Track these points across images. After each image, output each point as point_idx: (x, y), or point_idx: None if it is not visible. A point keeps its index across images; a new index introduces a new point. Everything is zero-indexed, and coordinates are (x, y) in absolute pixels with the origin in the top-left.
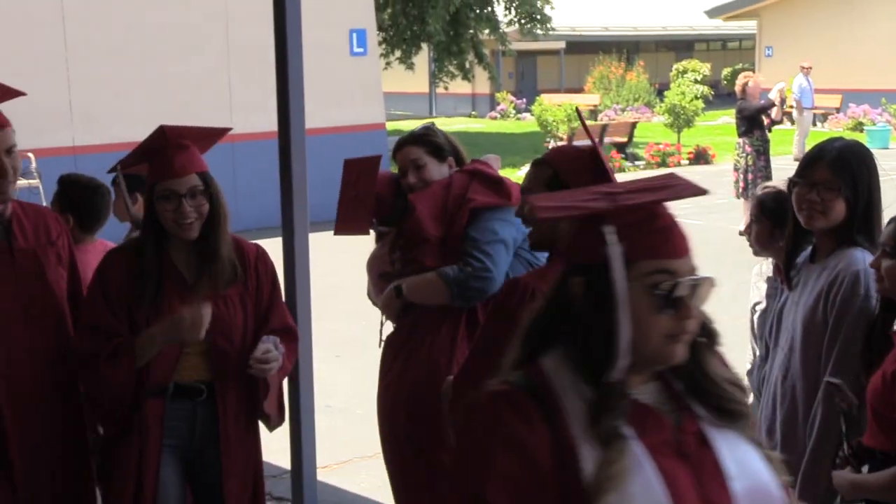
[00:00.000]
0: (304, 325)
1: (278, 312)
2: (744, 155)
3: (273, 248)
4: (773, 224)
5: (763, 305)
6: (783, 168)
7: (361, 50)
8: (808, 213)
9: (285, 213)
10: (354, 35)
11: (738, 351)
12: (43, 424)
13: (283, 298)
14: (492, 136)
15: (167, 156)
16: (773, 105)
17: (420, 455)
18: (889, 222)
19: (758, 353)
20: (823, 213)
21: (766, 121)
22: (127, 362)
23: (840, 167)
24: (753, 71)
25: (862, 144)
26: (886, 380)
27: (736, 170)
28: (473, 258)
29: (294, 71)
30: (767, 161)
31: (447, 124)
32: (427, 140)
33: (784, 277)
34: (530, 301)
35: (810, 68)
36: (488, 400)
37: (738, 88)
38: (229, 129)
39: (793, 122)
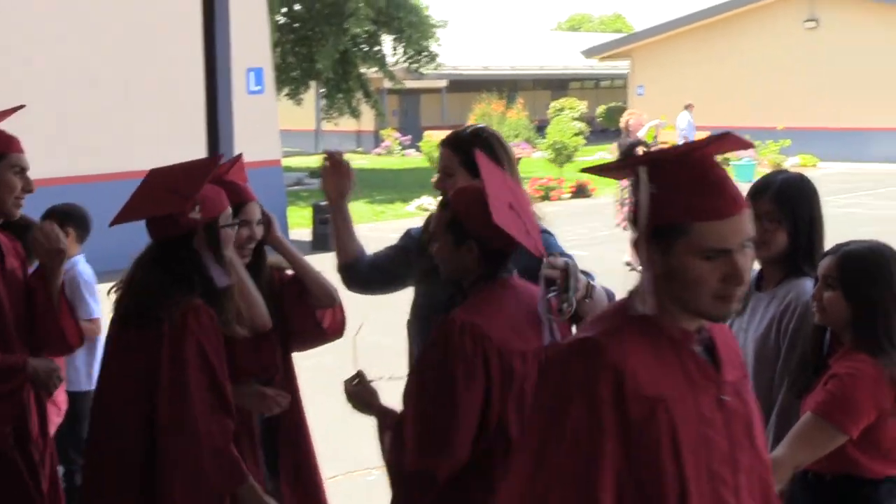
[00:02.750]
0: None
1: None
2: (621, 189)
3: None
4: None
5: None
6: None
7: (259, 88)
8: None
9: None
10: (252, 74)
11: None
12: None
13: None
14: (378, 171)
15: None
16: (639, 142)
17: None
18: (825, 254)
19: None
20: (766, 243)
21: None
22: None
23: (782, 199)
24: (626, 108)
25: (805, 178)
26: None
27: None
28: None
29: (223, 111)
30: None
31: None
32: (466, 148)
33: None
34: (472, 339)
35: (692, 106)
36: None
37: (622, 125)
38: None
39: None
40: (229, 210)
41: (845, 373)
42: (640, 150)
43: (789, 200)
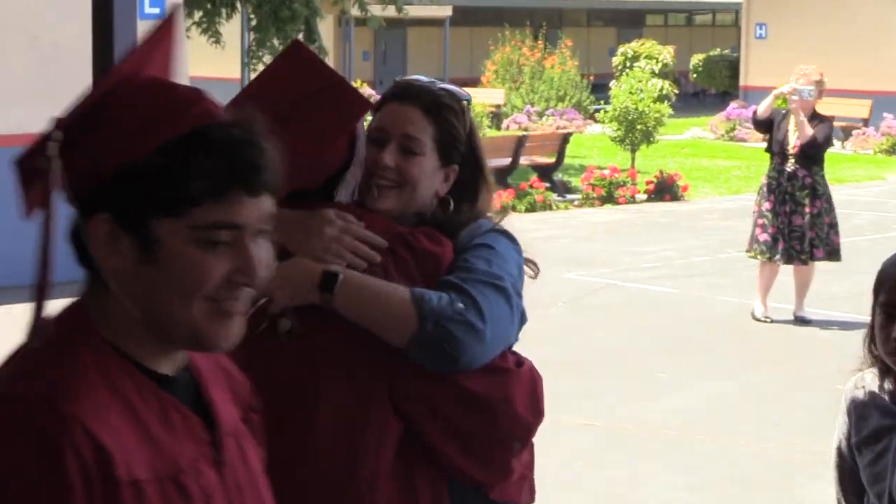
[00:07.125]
0: None
1: None
2: (757, 191)
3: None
4: None
5: (880, 447)
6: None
7: (157, 10)
8: None
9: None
10: None
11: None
12: None
13: None
14: None
15: None
16: (762, 120)
17: None
18: None
19: None
20: None
21: (794, 144)
22: None
23: None
24: (738, 57)
25: None
26: None
27: None
28: (465, 294)
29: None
30: (779, 204)
31: None
32: (442, 112)
33: None
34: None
35: None
36: None
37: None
38: None
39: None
40: None
41: None
42: (792, 131)
43: None
